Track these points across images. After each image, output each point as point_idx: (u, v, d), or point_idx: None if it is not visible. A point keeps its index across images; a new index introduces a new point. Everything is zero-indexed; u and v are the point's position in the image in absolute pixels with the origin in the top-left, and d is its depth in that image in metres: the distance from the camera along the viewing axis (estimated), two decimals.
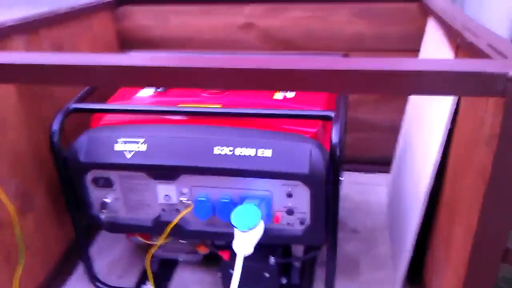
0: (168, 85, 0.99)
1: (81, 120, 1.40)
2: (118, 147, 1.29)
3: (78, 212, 1.41)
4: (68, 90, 1.62)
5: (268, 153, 1.21)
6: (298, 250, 1.59)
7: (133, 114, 1.37)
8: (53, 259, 1.59)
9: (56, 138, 1.29)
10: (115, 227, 1.41)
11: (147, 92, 1.51)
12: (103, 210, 1.35)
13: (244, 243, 1.16)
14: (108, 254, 1.73)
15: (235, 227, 1.16)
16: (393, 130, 2.03)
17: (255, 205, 1.22)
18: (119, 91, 1.54)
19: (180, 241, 1.50)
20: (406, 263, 1.44)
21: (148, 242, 1.54)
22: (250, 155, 1.22)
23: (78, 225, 1.43)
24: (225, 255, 1.44)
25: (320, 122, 1.31)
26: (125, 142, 1.29)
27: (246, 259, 1.27)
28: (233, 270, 1.40)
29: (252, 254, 1.18)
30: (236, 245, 1.17)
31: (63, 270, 1.63)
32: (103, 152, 1.30)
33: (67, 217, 1.58)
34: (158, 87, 1.48)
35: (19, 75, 0.80)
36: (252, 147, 1.22)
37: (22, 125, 1.40)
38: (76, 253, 1.70)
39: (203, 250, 1.53)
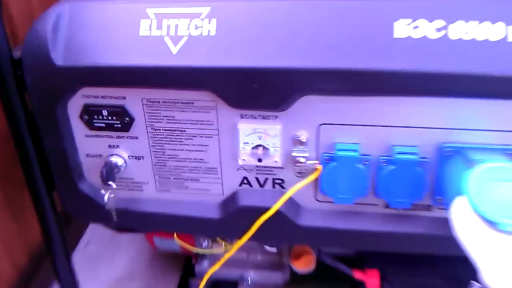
0: None
1: None
2: (146, 27, 0.57)
3: (49, 190, 0.69)
4: None
5: None
6: None
7: None
8: None
9: None
10: (133, 220, 0.69)
11: None
12: (107, 183, 0.63)
13: None
14: (106, 269, 1.01)
15: (488, 221, 0.46)
16: None
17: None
18: None
19: (267, 248, 0.78)
20: None
21: (193, 249, 0.83)
22: (487, 40, 0.52)
23: (50, 217, 0.71)
24: (369, 280, 0.73)
25: None
26: (164, 17, 0.57)
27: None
28: None
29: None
30: (496, 275, 0.46)
31: None
32: (110, 43, 0.58)
33: (25, 207, 0.86)
34: None
35: None
36: (493, 19, 0.51)
37: None
38: (46, 270, 0.98)
39: (304, 265, 0.82)
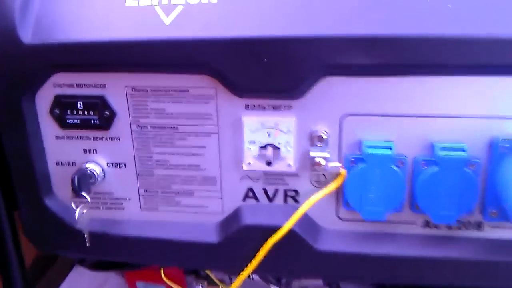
0: None
1: None
2: None
3: (9, 208, 0.57)
4: None
5: None
6: None
7: None
8: None
9: None
10: (111, 248, 0.56)
11: None
12: (79, 194, 0.50)
13: None
14: None
15: None
16: None
17: None
18: None
19: None
20: None
21: None
22: None
23: (12, 255, 0.58)
24: None
25: None
26: None
27: None
28: None
29: None
30: None
31: None
32: (90, 16, 0.48)
33: None
34: None
35: None
36: None
37: None
38: None
39: None
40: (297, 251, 0.53)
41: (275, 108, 0.49)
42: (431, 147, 0.49)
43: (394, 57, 0.45)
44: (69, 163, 0.55)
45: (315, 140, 0.50)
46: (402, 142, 0.49)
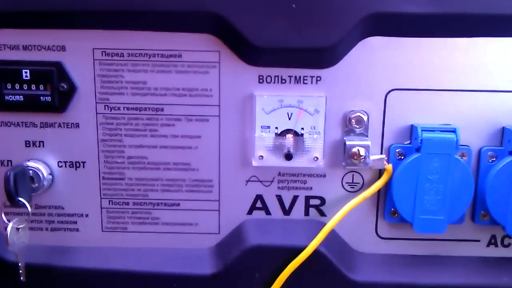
0: None
1: None
2: None
3: None
4: None
5: None
6: None
7: None
8: None
9: None
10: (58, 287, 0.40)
11: None
12: (14, 199, 0.35)
13: None
14: None
15: None
16: None
17: None
18: None
19: None
20: None
21: None
22: None
23: None
24: None
25: None
26: None
27: None
28: None
29: None
30: None
31: None
32: None
33: None
34: None
35: None
36: None
37: None
38: None
39: None
40: (324, 282, 0.39)
41: (298, 80, 0.37)
42: (503, 132, 0.38)
43: (470, 5, 0.35)
44: (2, 163, 0.40)
45: (352, 123, 0.38)
46: (462, 127, 0.38)
